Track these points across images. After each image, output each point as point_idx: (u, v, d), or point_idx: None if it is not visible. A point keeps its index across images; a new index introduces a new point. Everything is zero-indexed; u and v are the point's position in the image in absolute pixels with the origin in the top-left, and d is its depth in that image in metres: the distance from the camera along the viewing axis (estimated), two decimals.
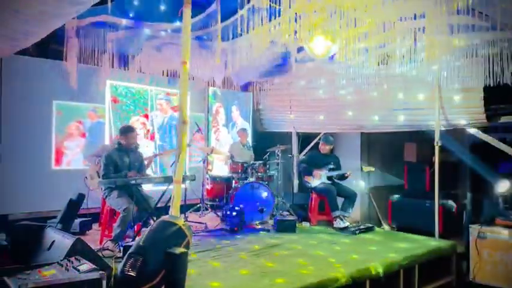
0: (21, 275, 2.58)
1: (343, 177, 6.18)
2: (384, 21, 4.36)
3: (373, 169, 6.03)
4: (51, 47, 5.77)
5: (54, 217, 4.99)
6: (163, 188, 4.71)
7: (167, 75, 6.62)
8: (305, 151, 7.81)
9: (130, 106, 6.79)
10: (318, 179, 6.10)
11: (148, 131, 6.97)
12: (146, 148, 6.75)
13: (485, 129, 5.68)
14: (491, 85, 4.63)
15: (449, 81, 5.04)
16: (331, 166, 6.16)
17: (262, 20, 4.43)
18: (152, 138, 7.02)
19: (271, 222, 6.00)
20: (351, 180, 6.58)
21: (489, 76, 4.51)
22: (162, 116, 7.19)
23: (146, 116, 6.98)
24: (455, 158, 6.72)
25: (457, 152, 6.71)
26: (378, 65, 5.34)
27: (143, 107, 6.95)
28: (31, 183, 5.52)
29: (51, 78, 5.71)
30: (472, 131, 5.75)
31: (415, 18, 4.22)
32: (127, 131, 4.99)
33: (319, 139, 6.78)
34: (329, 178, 6.12)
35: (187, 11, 3.28)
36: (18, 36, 4.21)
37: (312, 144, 7.89)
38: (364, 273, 3.84)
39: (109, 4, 4.00)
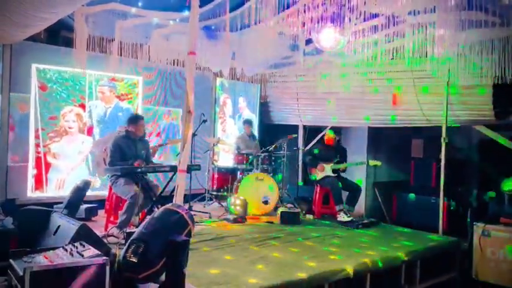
0: (27, 258, 2.63)
1: (346, 168, 6.19)
2: (394, 14, 4.32)
3: (379, 163, 6.01)
4: (62, 34, 5.81)
5: (61, 202, 5.06)
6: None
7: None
8: (311, 144, 7.80)
9: (62, 94, 5.80)
10: (323, 172, 6.10)
11: (84, 124, 6.04)
12: (82, 145, 5.98)
13: (493, 127, 5.63)
14: (501, 83, 4.58)
15: (458, 77, 4.98)
16: (337, 159, 6.15)
17: (271, 11, 4.41)
18: (90, 132, 6.08)
19: (275, 214, 6.02)
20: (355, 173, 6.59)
21: (499, 73, 4.45)
22: (103, 106, 6.20)
23: (82, 106, 6.00)
24: (462, 155, 6.68)
25: (464, 149, 6.66)
26: (387, 59, 5.29)
27: (79, 95, 5.95)
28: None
29: None
30: (480, 128, 5.69)
31: (425, 13, 4.17)
32: (137, 118, 5.06)
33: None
34: (334, 171, 6.11)
35: (195, 0, 3.28)
36: (28, 22, 4.24)
37: (318, 137, 7.88)
38: (365, 267, 3.86)
39: None
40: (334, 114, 7.23)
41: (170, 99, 6.93)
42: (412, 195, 6.19)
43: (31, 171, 5.60)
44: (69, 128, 5.88)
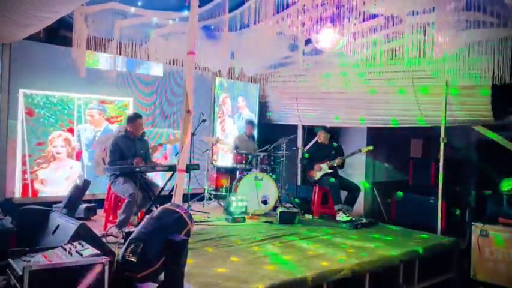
0: (26, 258, 2.63)
1: (343, 164, 6.19)
2: (393, 14, 4.32)
3: (371, 148, 6.04)
4: (61, 33, 5.80)
5: (60, 202, 5.05)
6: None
7: None
8: (310, 144, 7.81)
9: (50, 119, 5.62)
10: (320, 171, 6.11)
11: (73, 148, 5.86)
12: (71, 170, 5.81)
13: (492, 127, 5.64)
14: (500, 83, 4.59)
15: (457, 77, 4.99)
16: (332, 156, 6.15)
17: (270, 11, 4.40)
18: (78, 157, 5.91)
19: (274, 213, 6.03)
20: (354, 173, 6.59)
21: (498, 74, 4.46)
22: (92, 129, 6.02)
23: (71, 131, 5.82)
24: (461, 155, 6.69)
25: (462, 149, 6.67)
26: (386, 59, 5.29)
27: (67, 119, 5.78)
28: None
29: None
30: (479, 128, 5.70)
31: (424, 13, 4.17)
32: (135, 117, 5.05)
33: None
34: (331, 167, 6.11)
35: (194, 0, 3.28)
36: (28, 21, 4.24)
37: (317, 137, 7.88)
38: (364, 267, 3.87)
39: None
40: (334, 114, 7.24)
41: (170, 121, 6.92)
42: (409, 194, 6.19)
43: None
44: (57, 153, 5.73)
